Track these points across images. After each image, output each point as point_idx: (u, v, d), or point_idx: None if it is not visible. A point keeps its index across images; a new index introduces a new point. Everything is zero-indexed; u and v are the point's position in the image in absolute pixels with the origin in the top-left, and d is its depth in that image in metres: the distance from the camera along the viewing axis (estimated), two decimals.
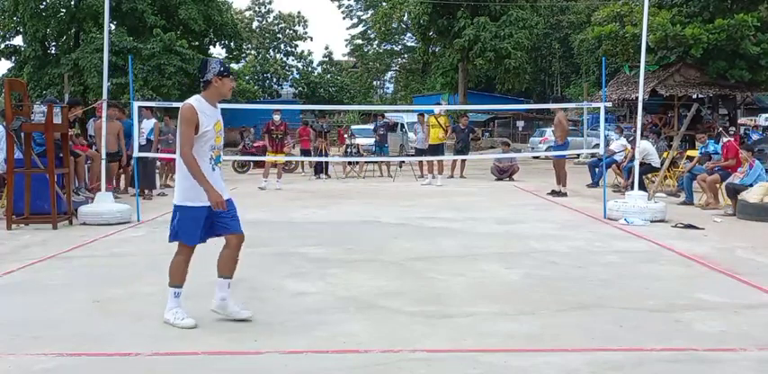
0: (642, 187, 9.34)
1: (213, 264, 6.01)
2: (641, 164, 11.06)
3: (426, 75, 44.13)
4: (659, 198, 9.77)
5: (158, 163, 16.78)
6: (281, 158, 13.53)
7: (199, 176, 3.86)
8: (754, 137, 19.50)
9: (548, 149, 23.94)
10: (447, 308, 4.39)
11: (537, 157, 22.47)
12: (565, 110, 12.51)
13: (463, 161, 15.73)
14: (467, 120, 16.53)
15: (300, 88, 55.73)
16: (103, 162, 8.53)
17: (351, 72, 58.66)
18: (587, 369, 3.32)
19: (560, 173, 11.36)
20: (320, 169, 15.76)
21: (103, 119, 8.67)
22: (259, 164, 17.63)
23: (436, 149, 14.10)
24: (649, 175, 11.23)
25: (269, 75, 57.13)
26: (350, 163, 16.58)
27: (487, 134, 38.53)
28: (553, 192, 11.29)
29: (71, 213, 8.19)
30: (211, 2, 31.36)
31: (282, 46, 58.43)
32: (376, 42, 50.96)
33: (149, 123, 11.72)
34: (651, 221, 8.01)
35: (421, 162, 14.45)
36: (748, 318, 4.16)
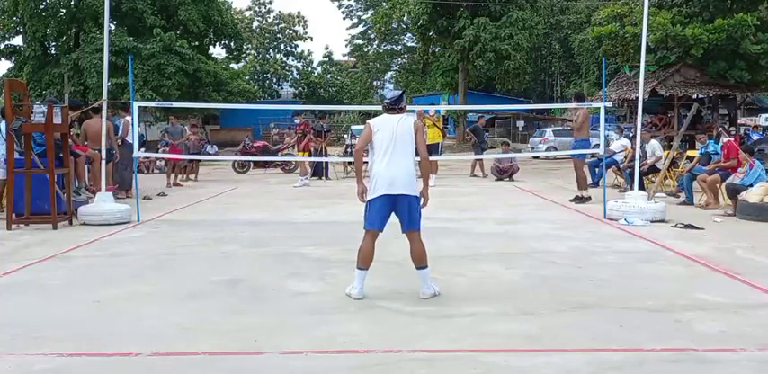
0: (642, 187, 9.34)
1: (216, 266, 6.02)
2: (650, 165, 11.02)
3: (426, 75, 44.08)
4: (659, 198, 9.77)
5: (161, 163, 16.83)
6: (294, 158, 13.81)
7: None
8: (754, 137, 19.52)
9: (545, 148, 23.95)
10: (447, 308, 4.39)
11: (537, 157, 22.48)
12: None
13: (480, 159, 16.08)
14: (484, 120, 16.84)
15: (300, 88, 55.69)
16: (103, 162, 8.53)
17: (351, 72, 58.62)
18: (587, 369, 3.32)
19: (580, 175, 10.43)
20: (320, 170, 15.72)
21: (103, 118, 8.68)
22: (259, 164, 17.65)
23: (432, 149, 14.12)
24: (650, 175, 11.22)
25: (269, 75, 57.05)
26: (350, 163, 16.57)
27: (487, 134, 38.50)
28: (577, 199, 10.22)
29: (71, 213, 8.19)
30: (211, 2, 31.32)
31: (282, 46, 58.34)
32: (376, 42, 50.89)
33: (122, 121, 11.35)
34: (651, 221, 8.01)
35: (419, 162, 14.46)
36: (748, 318, 4.16)
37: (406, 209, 4.58)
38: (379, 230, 4.65)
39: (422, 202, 4.67)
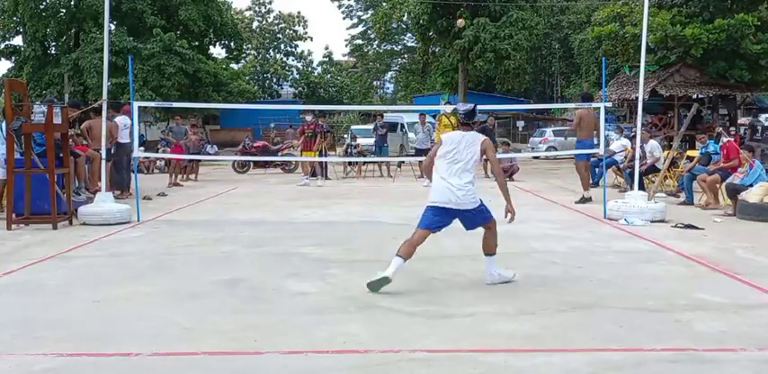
0: (642, 187, 9.33)
1: (216, 266, 6.01)
2: (648, 165, 10.99)
3: (426, 75, 44.08)
4: (659, 198, 9.77)
5: (161, 163, 16.83)
6: (310, 158, 13.63)
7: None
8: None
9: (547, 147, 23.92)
10: (447, 308, 4.39)
11: (537, 157, 22.51)
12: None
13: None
14: (494, 119, 16.76)
15: (300, 88, 55.70)
16: (104, 162, 8.53)
17: (351, 72, 58.62)
18: (587, 369, 3.32)
19: (583, 176, 10.43)
20: (319, 171, 15.63)
21: (103, 118, 8.68)
22: (258, 164, 17.64)
23: None
24: (650, 175, 11.22)
25: (269, 75, 57.06)
26: (350, 163, 16.58)
27: None
28: (582, 200, 10.22)
29: (71, 213, 8.19)
30: (211, 2, 31.30)
31: (282, 46, 58.36)
32: (376, 42, 50.84)
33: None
34: (651, 221, 8.00)
35: (420, 162, 14.41)
36: (748, 318, 4.16)
37: (464, 219, 4.98)
38: (431, 230, 4.89)
39: (509, 217, 5.08)
